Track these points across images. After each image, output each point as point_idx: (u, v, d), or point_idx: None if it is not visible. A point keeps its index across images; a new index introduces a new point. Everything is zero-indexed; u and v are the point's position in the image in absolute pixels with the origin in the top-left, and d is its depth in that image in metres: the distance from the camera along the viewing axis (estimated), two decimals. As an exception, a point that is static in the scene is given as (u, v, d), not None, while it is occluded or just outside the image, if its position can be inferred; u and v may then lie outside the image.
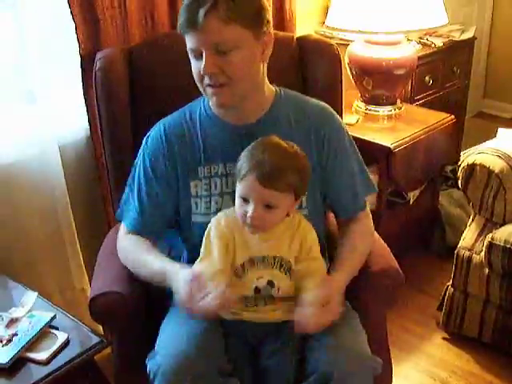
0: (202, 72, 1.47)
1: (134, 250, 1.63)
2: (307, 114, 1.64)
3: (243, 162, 1.46)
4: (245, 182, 1.44)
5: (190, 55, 1.51)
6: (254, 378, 1.51)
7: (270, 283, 1.49)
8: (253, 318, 1.51)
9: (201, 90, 1.54)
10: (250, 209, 1.43)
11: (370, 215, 1.76)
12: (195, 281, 1.39)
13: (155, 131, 1.65)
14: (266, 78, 1.61)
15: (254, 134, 1.53)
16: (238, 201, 1.48)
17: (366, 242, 1.69)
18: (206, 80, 1.49)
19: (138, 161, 1.66)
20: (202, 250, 1.51)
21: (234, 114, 1.59)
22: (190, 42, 1.47)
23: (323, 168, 1.62)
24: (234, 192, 1.51)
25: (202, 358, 1.40)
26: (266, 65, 1.57)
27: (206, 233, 1.51)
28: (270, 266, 1.49)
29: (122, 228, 1.70)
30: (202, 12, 1.40)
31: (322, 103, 1.69)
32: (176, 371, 1.38)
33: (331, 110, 1.69)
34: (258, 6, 1.49)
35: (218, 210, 1.57)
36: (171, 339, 1.47)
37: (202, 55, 1.46)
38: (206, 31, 1.42)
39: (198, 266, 1.47)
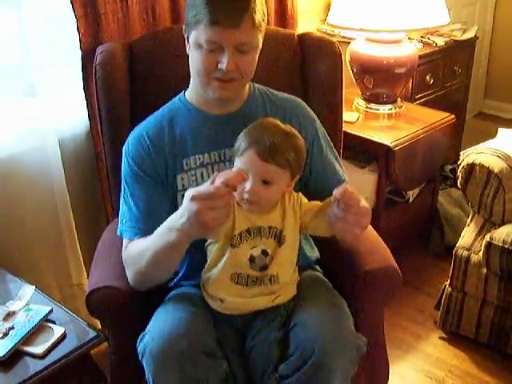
0: (221, 67, 1.47)
1: (138, 246, 1.56)
2: (280, 106, 1.67)
3: (242, 140, 1.48)
4: (244, 157, 1.46)
5: (197, 46, 1.49)
6: (241, 361, 1.52)
7: (264, 252, 1.52)
8: (236, 307, 1.53)
9: (201, 80, 1.55)
10: (248, 184, 1.45)
11: None
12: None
13: (135, 134, 1.64)
14: None
15: (235, 122, 1.58)
16: None
17: None
18: (217, 74, 1.50)
19: (124, 170, 1.63)
20: None
21: (220, 105, 1.61)
22: (210, 35, 1.45)
23: None
24: None
25: (187, 338, 1.41)
26: None
27: None
28: (265, 236, 1.51)
29: (125, 243, 1.62)
30: (244, 13, 1.43)
31: (292, 96, 1.73)
32: (161, 350, 1.39)
33: (302, 101, 1.72)
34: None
35: None
36: (160, 322, 1.48)
37: (220, 49, 1.47)
38: (239, 31, 1.44)
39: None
